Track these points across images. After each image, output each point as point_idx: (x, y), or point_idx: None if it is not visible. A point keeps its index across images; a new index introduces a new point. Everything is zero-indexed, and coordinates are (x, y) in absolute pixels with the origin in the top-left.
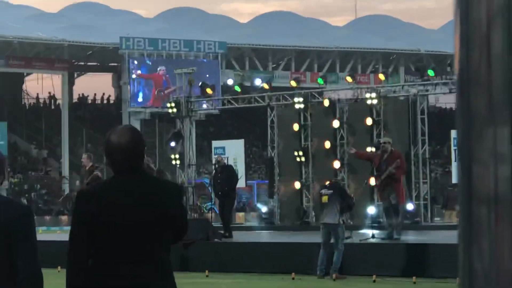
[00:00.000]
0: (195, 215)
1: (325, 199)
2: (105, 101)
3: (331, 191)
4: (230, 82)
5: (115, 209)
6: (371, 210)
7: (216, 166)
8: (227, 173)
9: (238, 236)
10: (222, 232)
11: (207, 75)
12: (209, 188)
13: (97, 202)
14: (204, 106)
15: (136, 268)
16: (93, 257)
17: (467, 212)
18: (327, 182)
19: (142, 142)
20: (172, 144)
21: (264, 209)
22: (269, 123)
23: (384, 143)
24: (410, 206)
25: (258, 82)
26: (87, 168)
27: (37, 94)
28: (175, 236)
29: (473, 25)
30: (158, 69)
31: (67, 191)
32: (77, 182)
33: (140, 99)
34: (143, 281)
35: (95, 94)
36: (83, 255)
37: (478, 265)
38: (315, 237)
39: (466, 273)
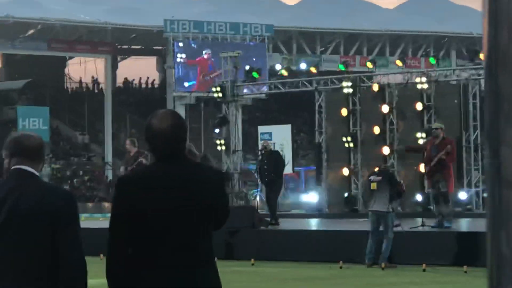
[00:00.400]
0: (241, 202)
1: (374, 186)
2: (149, 86)
3: (380, 178)
4: (278, 67)
5: (155, 196)
6: (420, 197)
7: (262, 152)
8: (273, 159)
9: (285, 224)
10: (268, 219)
11: (254, 59)
12: (256, 174)
13: (137, 189)
14: (246, 90)
15: (176, 256)
16: (133, 245)
17: (495, 196)
18: (376, 169)
19: (184, 127)
20: (217, 130)
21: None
22: (316, 108)
23: (436, 129)
24: (463, 195)
25: (303, 66)
26: (131, 154)
27: (80, 78)
28: (215, 223)
29: (501, 5)
30: (204, 52)
31: (110, 177)
32: (121, 169)
33: (185, 84)
34: (183, 270)
35: (139, 79)
36: (123, 242)
37: (506, 251)
38: (364, 225)
39: (494, 259)
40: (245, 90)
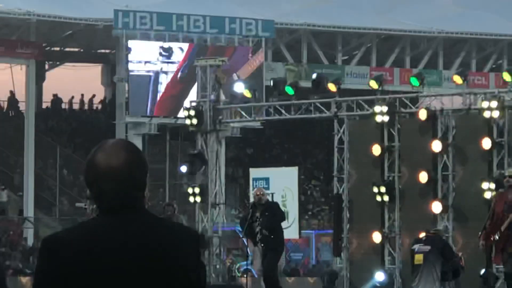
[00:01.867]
0: (221, 279)
1: (419, 258)
2: (90, 107)
3: (429, 248)
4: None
5: (99, 265)
6: (486, 276)
7: (255, 205)
8: (271, 213)
9: None
10: None
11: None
12: (243, 238)
13: (73, 255)
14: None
15: None
16: None
17: None
18: (423, 234)
19: (143, 165)
20: (184, 169)
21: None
22: (336, 143)
23: (510, 177)
24: None
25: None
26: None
27: None
28: None
29: None
30: (171, 58)
31: (30, 240)
32: None
33: (142, 105)
34: None
35: (74, 96)
36: None
37: None
38: None
39: None
40: (235, 116)
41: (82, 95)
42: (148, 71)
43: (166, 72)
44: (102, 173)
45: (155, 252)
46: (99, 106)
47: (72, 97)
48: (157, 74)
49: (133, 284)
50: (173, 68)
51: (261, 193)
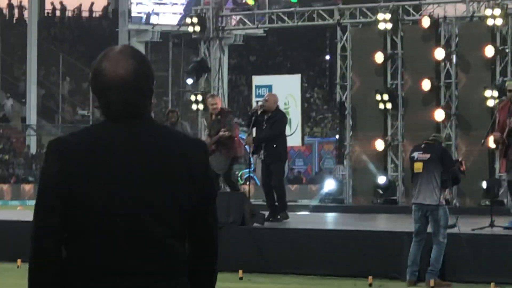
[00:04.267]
0: (224, 187)
1: (419, 167)
2: (92, 14)
3: (428, 156)
4: None
5: (106, 171)
6: (488, 185)
7: (257, 112)
8: (275, 122)
9: (289, 220)
10: (264, 213)
11: None
12: (247, 147)
13: (79, 156)
14: (236, 23)
15: (134, 262)
16: (69, 245)
17: None
18: (423, 142)
19: (150, 72)
20: (189, 80)
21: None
22: (339, 51)
23: (510, 91)
24: None
25: None
26: (213, 116)
27: None
28: (203, 228)
29: None
30: None
31: (33, 148)
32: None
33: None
34: (143, 282)
35: (80, 4)
36: (54, 240)
37: None
38: (405, 224)
39: None
40: (234, 23)
41: (83, 2)
42: None
43: None
44: (109, 82)
45: (161, 159)
46: (102, 13)
47: (80, 5)
48: None
49: (145, 187)
50: None
51: (270, 97)
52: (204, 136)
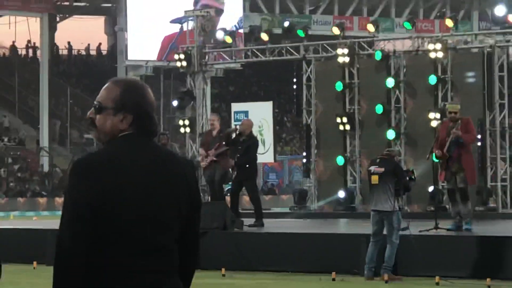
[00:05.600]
0: (208, 198)
1: (375, 179)
2: (95, 52)
3: (383, 169)
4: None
5: (127, 186)
6: (433, 192)
7: (233, 134)
8: (248, 146)
9: (264, 226)
10: (242, 219)
11: (227, 20)
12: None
13: (103, 175)
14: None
15: (149, 263)
16: (96, 248)
17: None
18: (378, 157)
19: None
20: (175, 103)
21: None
22: (304, 81)
23: (450, 113)
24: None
25: (286, 24)
26: (215, 132)
27: (12, 42)
28: (190, 232)
29: None
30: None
31: (46, 167)
32: (200, 151)
33: (141, 50)
34: (155, 279)
35: (87, 45)
36: (82, 248)
37: None
38: (363, 228)
39: None
40: (215, 58)
41: (88, 42)
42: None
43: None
44: (152, 105)
45: (170, 173)
46: (103, 52)
47: (81, 44)
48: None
49: (160, 200)
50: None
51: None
52: (190, 153)
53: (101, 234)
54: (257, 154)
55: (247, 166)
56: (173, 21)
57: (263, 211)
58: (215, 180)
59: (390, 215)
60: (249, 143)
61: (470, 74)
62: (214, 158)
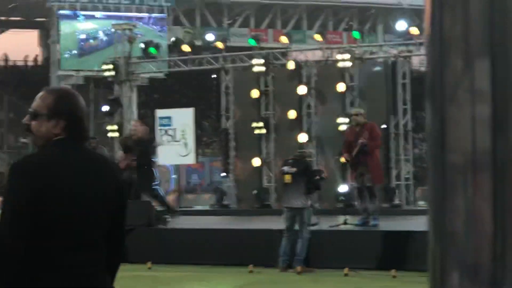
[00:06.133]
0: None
1: (288, 178)
2: (32, 63)
3: (295, 169)
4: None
5: (64, 185)
6: (343, 190)
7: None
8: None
9: (186, 222)
10: (167, 216)
11: (152, 33)
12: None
13: (41, 174)
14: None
15: (82, 257)
16: (30, 244)
17: (438, 169)
18: (291, 158)
19: None
20: (104, 109)
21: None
22: (223, 89)
23: (356, 115)
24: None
25: (210, 38)
26: (138, 136)
27: None
28: (117, 231)
29: None
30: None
31: None
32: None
33: (71, 61)
34: (88, 272)
35: (25, 56)
36: (21, 245)
37: (451, 227)
38: (277, 223)
39: (437, 242)
40: (144, 68)
41: (23, 54)
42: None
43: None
44: (83, 112)
45: (103, 174)
46: (38, 63)
47: (26, 56)
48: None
49: (91, 198)
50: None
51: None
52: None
53: (39, 230)
54: (152, 157)
55: (146, 167)
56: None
57: (187, 208)
58: (132, 183)
59: (301, 212)
60: (143, 146)
61: (375, 79)
62: (130, 162)
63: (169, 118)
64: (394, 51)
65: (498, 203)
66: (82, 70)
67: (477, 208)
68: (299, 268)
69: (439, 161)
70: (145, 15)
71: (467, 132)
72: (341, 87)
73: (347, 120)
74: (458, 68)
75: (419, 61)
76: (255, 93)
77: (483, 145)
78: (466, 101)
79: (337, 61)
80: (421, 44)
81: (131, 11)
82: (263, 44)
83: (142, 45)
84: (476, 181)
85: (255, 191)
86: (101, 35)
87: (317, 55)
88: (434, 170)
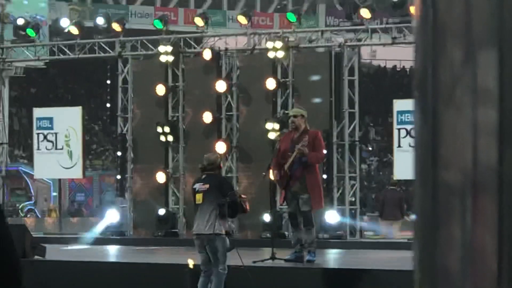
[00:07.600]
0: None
1: (199, 197)
2: None
3: (208, 186)
4: (65, 22)
5: None
6: (269, 217)
7: None
8: None
9: (71, 253)
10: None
11: (28, 11)
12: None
13: None
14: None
15: None
16: None
17: (428, 190)
18: (204, 173)
19: None
20: None
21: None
22: (120, 82)
23: (294, 116)
24: (332, 217)
25: (100, 21)
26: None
27: None
28: None
29: None
30: None
31: None
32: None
33: None
34: None
35: None
36: None
37: (445, 265)
38: (186, 256)
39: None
40: (19, 55)
41: None
42: None
43: None
44: None
45: None
46: None
47: None
48: None
49: None
50: None
51: None
52: None
53: None
54: None
55: None
56: None
57: (70, 235)
58: None
59: (212, 240)
60: None
61: (315, 77)
62: None
63: (49, 119)
64: (339, 39)
65: (504, 233)
66: None
67: (477, 239)
68: None
69: (429, 179)
70: None
71: (467, 142)
72: (271, 83)
73: (278, 126)
74: (456, 61)
75: (370, 52)
76: (160, 90)
77: (487, 160)
78: (466, 103)
79: (267, 50)
80: (373, 30)
81: None
82: (171, 27)
83: (18, 24)
84: (477, 205)
85: (159, 214)
86: None
87: (241, 42)
88: (423, 191)
